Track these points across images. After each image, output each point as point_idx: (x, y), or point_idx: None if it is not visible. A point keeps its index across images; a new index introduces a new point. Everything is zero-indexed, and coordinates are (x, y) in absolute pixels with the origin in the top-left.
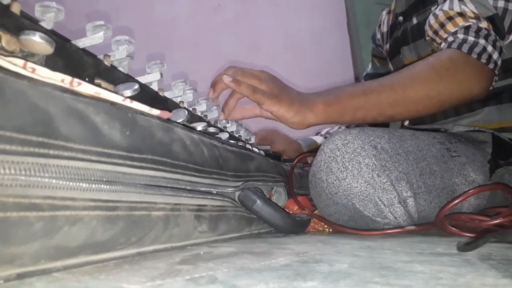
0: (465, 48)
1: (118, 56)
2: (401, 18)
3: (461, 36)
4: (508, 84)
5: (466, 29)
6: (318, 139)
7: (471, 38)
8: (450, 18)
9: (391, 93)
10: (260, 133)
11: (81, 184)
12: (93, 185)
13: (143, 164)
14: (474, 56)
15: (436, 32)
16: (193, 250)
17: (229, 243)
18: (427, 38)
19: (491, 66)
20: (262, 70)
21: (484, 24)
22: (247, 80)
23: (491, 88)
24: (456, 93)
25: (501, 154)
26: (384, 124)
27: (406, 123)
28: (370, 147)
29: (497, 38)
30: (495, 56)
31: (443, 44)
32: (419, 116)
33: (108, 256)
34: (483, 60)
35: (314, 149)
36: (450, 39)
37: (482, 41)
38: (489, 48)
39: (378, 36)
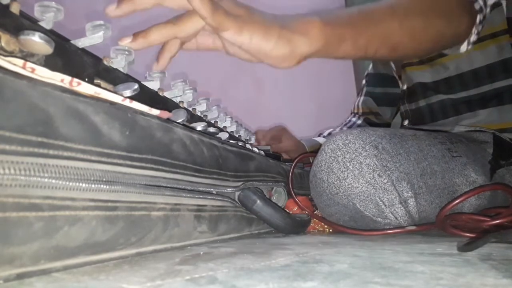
0: None
1: (116, 65)
2: None
3: None
4: (508, 85)
5: None
6: (321, 140)
7: None
8: None
9: (393, 17)
10: (271, 130)
11: (80, 184)
12: (93, 185)
13: (143, 164)
14: None
15: None
16: (193, 250)
17: (229, 243)
18: None
19: (476, 6)
20: None
21: None
22: None
23: (474, 32)
24: (448, 25)
25: (502, 154)
26: (385, 125)
27: (406, 123)
28: (371, 147)
29: None
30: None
31: None
32: (419, 49)
33: (108, 256)
34: None
35: (316, 150)
36: None
37: None
38: None
39: None
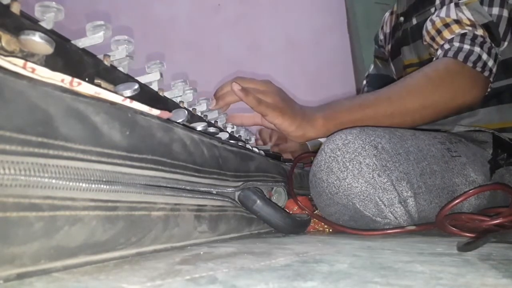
0: (460, 56)
1: (117, 56)
2: (402, 18)
3: (456, 44)
4: (508, 84)
5: (462, 36)
6: (323, 139)
7: (466, 46)
8: (446, 25)
9: (388, 106)
10: (276, 131)
11: (81, 184)
12: (93, 185)
13: (143, 164)
14: (470, 64)
15: (433, 38)
16: (193, 250)
17: (229, 243)
18: (425, 43)
19: (486, 73)
20: (267, 80)
21: (480, 32)
22: (253, 92)
23: (486, 93)
24: (450, 102)
25: (502, 154)
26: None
27: None
28: (371, 147)
29: (493, 45)
30: (490, 63)
31: (439, 51)
32: (414, 125)
33: (108, 256)
34: (478, 68)
35: (318, 149)
36: (447, 46)
37: (477, 49)
38: (484, 56)
39: (381, 37)
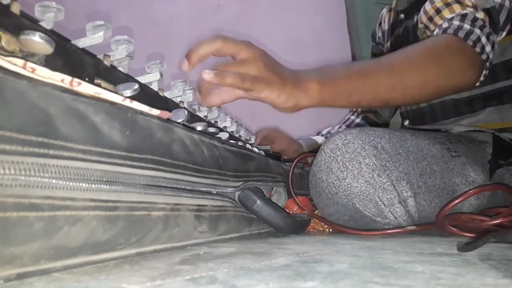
0: (461, 34)
1: (117, 56)
2: (402, 15)
3: (456, 22)
4: (509, 84)
5: (463, 16)
6: (319, 139)
7: (466, 26)
8: (447, 4)
9: (389, 78)
10: (261, 132)
11: (81, 184)
12: (93, 185)
13: (143, 164)
14: (470, 43)
15: (431, 18)
16: (193, 250)
17: (229, 243)
18: (420, 25)
19: (483, 56)
20: (247, 42)
21: (480, 15)
22: (231, 68)
23: (482, 79)
24: (450, 80)
25: (502, 154)
26: (385, 123)
27: (406, 123)
28: (371, 147)
29: (491, 31)
30: (487, 48)
31: (436, 30)
32: (412, 102)
33: (108, 256)
34: (478, 49)
35: (315, 150)
36: (445, 25)
37: (477, 31)
38: (483, 39)
39: (379, 34)
